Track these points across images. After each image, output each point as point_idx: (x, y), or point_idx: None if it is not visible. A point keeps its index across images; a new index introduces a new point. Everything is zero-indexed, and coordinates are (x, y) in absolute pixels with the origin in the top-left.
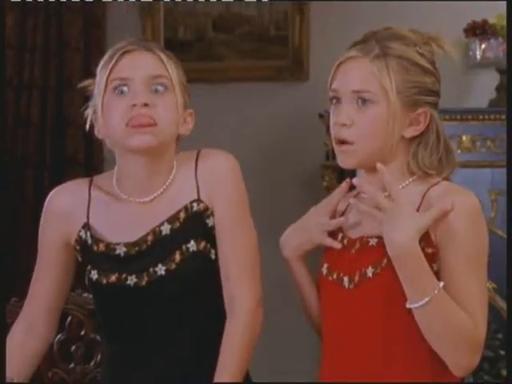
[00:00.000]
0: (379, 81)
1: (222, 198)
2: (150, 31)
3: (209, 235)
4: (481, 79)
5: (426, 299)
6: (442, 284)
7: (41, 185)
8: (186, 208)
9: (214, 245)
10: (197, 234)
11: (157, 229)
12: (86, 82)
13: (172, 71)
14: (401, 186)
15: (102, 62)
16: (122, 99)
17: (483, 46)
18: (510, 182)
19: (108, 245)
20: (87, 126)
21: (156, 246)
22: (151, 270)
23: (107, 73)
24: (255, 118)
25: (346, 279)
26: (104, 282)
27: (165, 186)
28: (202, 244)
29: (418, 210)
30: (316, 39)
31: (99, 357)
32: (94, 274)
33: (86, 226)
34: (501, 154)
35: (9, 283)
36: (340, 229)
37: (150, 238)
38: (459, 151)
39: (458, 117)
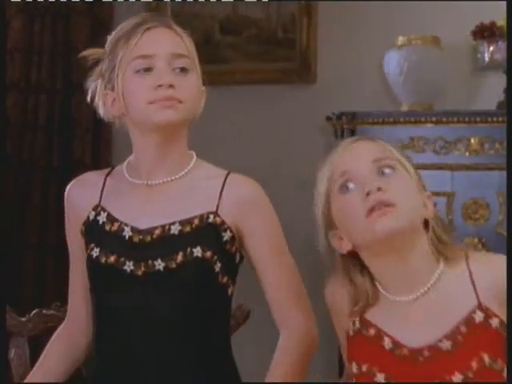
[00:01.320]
0: (393, 154)
1: (258, 225)
2: None
3: (220, 248)
4: (489, 81)
5: None
6: None
7: (48, 188)
8: (201, 216)
9: (222, 258)
10: (206, 242)
11: (166, 226)
12: (92, 51)
13: (192, 50)
14: (437, 274)
15: (116, 36)
16: (144, 78)
17: (491, 48)
18: (510, 183)
19: (120, 224)
20: (88, 98)
21: (161, 241)
22: (150, 262)
23: (129, 50)
24: (262, 121)
25: None
26: (103, 260)
27: (180, 174)
28: (208, 253)
29: (477, 296)
30: (323, 42)
31: None
32: (96, 252)
33: (99, 208)
34: None
35: (15, 284)
36: (381, 331)
37: (157, 231)
38: (467, 154)
39: (467, 119)
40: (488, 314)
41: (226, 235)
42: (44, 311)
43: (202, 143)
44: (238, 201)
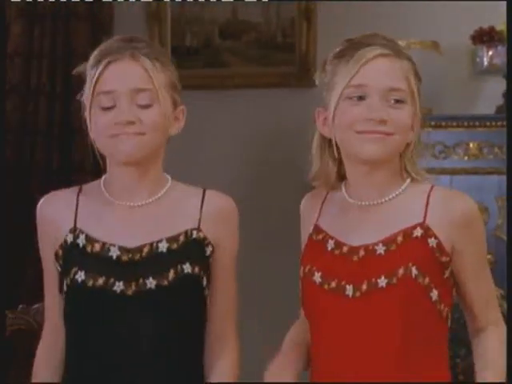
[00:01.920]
0: (409, 81)
1: (228, 240)
2: (157, 38)
3: (204, 263)
4: (488, 86)
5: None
6: None
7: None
8: (186, 233)
9: (206, 273)
10: (193, 258)
11: (154, 244)
12: (82, 66)
13: (157, 80)
14: (401, 189)
15: (90, 61)
16: (106, 113)
17: (490, 52)
18: (510, 186)
19: (104, 245)
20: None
21: (151, 259)
22: (141, 280)
23: (93, 83)
24: (262, 125)
25: (349, 288)
26: (90, 284)
27: (158, 195)
28: (197, 269)
29: (426, 210)
30: (323, 46)
31: None
32: (81, 276)
33: (77, 230)
34: None
35: (15, 291)
36: (327, 235)
37: (145, 250)
38: (466, 158)
39: (465, 123)
40: (428, 233)
41: (208, 250)
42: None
43: (201, 146)
44: (217, 216)
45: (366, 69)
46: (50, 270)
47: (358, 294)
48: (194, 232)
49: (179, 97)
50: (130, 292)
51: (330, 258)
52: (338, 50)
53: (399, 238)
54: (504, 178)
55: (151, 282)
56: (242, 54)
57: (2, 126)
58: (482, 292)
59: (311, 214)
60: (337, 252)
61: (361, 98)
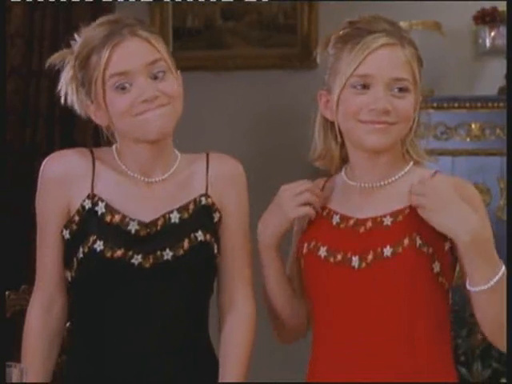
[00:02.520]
0: (413, 70)
1: (236, 204)
2: (159, 19)
3: (214, 229)
4: (490, 67)
5: (496, 278)
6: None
7: None
8: (195, 201)
9: (216, 239)
10: (204, 225)
11: (167, 215)
12: (59, 55)
13: (162, 49)
14: (403, 172)
15: (85, 47)
16: (125, 94)
17: (493, 33)
18: (510, 168)
19: (123, 218)
20: (62, 100)
21: (165, 232)
22: (158, 253)
23: (102, 69)
24: (263, 106)
25: (355, 259)
26: (109, 254)
27: (172, 171)
28: (208, 236)
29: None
30: (325, 27)
31: None
32: (99, 245)
33: (96, 197)
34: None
35: (19, 272)
36: (332, 211)
37: (160, 222)
38: (468, 139)
39: (467, 104)
40: None
41: (216, 216)
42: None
43: (204, 128)
44: (223, 177)
45: (370, 58)
46: (50, 233)
47: (363, 264)
48: (203, 199)
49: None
50: (147, 265)
51: (335, 232)
52: (341, 33)
53: (406, 210)
54: (506, 159)
55: (168, 254)
56: (243, 36)
57: (3, 107)
58: None
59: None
60: (342, 226)
61: (364, 86)
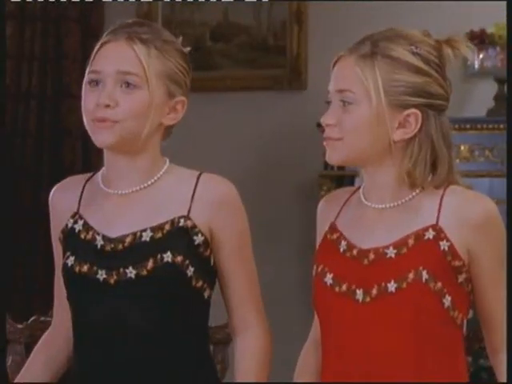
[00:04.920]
0: (362, 81)
1: (231, 225)
2: None
3: (192, 252)
4: (479, 89)
5: None
6: None
7: (38, 195)
8: (172, 221)
9: (195, 263)
10: (176, 247)
11: (138, 233)
12: None
13: (149, 66)
14: (408, 198)
15: None
16: (93, 93)
17: (481, 55)
18: (510, 191)
19: (94, 233)
20: None
21: (132, 249)
22: (121, 270)
23: (90, 62)
24: (253, 128)
25: (359, 292)
26: (77, 269)
27: (149, 182)
28: (179, 258)
29: (439, 211)
30: (314, 49)
31: None
32: (71, 260)
33: (77, 215)
34: (499, 163)
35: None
36: (341, 236)
37: (128, 239)
38: (457, 161)
39: (456, 126)
40: (440, 236)
41: (198, 239)
42: (42, 318)
43: (192, 149)
44: (211, 201)
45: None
46: (58, 259)
47: (367, 299)
48: (182, 220)
49: (180, 89)
50: (112, 281)
51: (341, 259)
52: None
53: (410, 241)
54: (495, 180)
55: (131, 272)
56: (233, 57)
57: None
58: (500, 303)
59: (330, 213)
60: (348, 254)
61: None
